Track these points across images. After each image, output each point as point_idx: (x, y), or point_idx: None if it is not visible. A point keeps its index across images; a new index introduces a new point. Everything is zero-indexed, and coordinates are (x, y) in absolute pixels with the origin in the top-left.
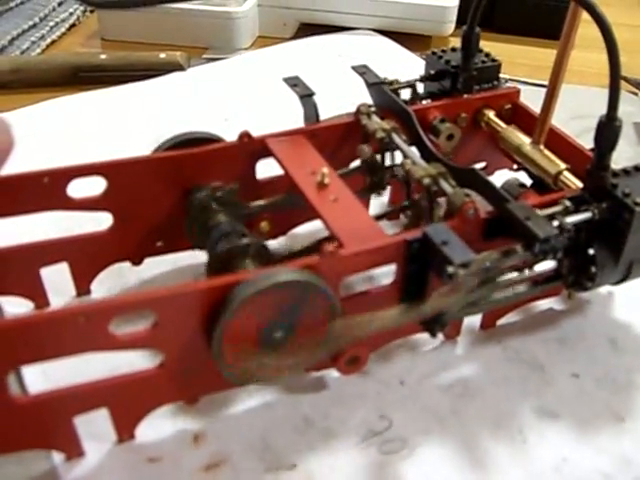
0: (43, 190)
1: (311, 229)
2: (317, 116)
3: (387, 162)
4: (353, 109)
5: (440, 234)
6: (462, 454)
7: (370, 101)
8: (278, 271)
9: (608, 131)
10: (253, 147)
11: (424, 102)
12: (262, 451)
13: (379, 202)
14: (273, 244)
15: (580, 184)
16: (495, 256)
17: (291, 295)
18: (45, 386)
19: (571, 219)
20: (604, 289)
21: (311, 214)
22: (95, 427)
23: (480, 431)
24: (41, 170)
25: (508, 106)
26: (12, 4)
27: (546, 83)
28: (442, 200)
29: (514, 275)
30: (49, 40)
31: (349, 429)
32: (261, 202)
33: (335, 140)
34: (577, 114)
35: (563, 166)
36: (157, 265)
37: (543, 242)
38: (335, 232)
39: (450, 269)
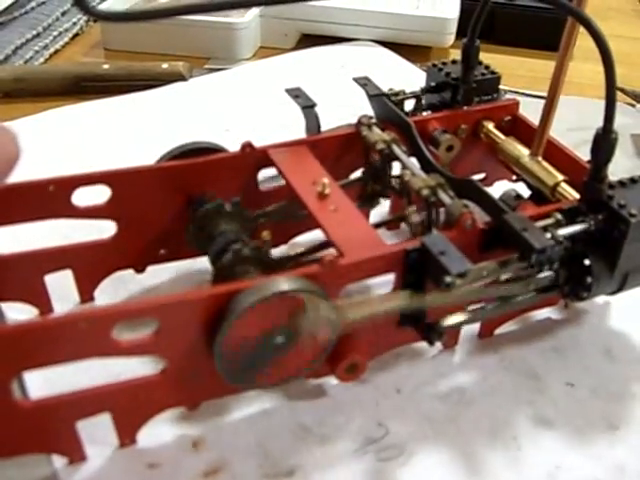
0: (48, 198)
1: (312, 238)
2: (319, 127)
3: (388, 173)
4: (354, 120)
5: (438, 244)
6: (458, 461)
7: (371, 112)
8: (279, 280)
9: (604, 144)
10: (255, 157)
11: (424, 114)
12: (260, 457)
13: (380, 211)
14: (275, 253)
15: (577, 195)
16: (492, 266)
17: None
18: (46, 392)
19: (567, 230)
20: (601, 299)
21: (312, 224)
22: (97, 432)
23: (476, 438)
24: (46, 178)
25: (507, 118)
26: (16, 13)
27: (545, 94)
28: (441, 210)
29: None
30: (52, 50)
31: (346, 436)
32: (263, 211)
33: (336, 151)
34: (575, 126)
35: (561, 177)
36: (160, 273)
37: (539, 253)
38: (335, 241)
39: (447, 279)
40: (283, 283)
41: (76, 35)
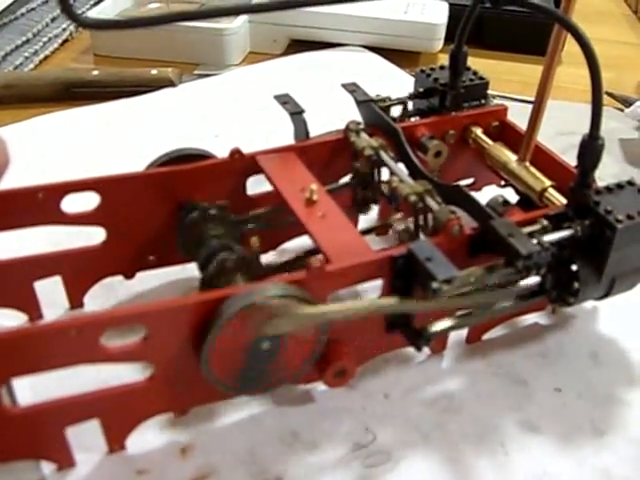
0: (38, 205)
1: (301, 244)
2: (307, 133)
3: (376, 179)
4: (343, 126)
5: (424, 250)
6: (445, 467)
7: (359, 118)
8: (266, 286)
9: (591, 150)
10: (244, 164)
11: (413, 119)
12: (249, 463)
13: (368, 217)
14: (263, 259)
15: (565, 201)
16: (479, 272)
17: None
18: (34, 398)
19: (554, 236)
20: (588, 304)
21: (300, 230)
22: (86, 438)
23: (463, 444)
24: (36, 185)
25: (495, 123)
26: (5, 20)
27: (533, 99)
28: (428, 216)
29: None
30: (42, 56)
31: (334, 442)
32: (251, 217)
33: (324, 157)
34: (563, 130)
35: (548, 183)
36: (149, 279)
37: (526, 258)
38: (322, 248)
39: (434, 285)
40: (270, 289)
41: (66, 41)
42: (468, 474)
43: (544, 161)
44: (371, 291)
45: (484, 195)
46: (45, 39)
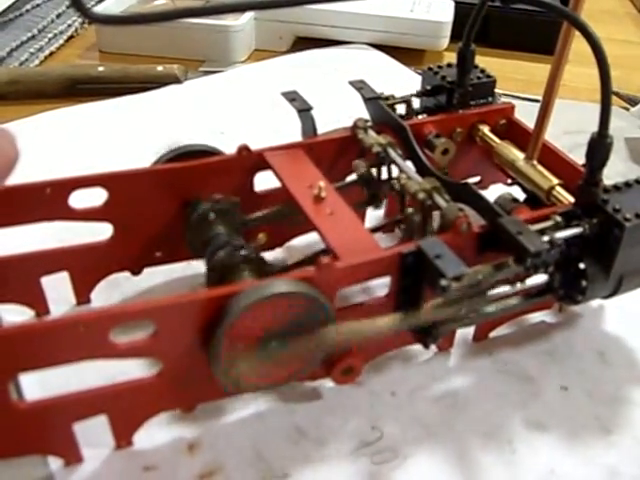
0: (45, 200)
1: (308, 241)
2: (315, 130)
3: (384, 176)
4: (350, 123)
5: (434, 248)
6: (452, 465)
7: (366, 115)
8: (275, 282)
9: (599, 148)
10: (251, 160)
11: (420, 117)
12: (255, 460)
13: (375, 215)
14: (270, 256)
15: (572, 199)
16: (487, 269)
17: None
18: (40, 394)
19: (562, 234)
20: (595, 302)
21: (308, 227)
22: (94, 433)
23: (470, 442)
24: (44, 181)
25: (503, 121)
26: (11, 15)
27: (540, 98)
28: (436, 214)
29: (506, 288)
30: (47, 52)
31: (341, 439)
32: (259, 214)
33: (332, 154)
34: (570, 129)
35: (555, 181)
36: (156, 275)
37: (534, 256)
38: (331, 244)
39: (443, 282)
40: (279, 285)
41: (71, 37)
42: (475, 471)
43: (552, 159)
44: (379, 288)
45: (491, 193)
46: (50, 35)
